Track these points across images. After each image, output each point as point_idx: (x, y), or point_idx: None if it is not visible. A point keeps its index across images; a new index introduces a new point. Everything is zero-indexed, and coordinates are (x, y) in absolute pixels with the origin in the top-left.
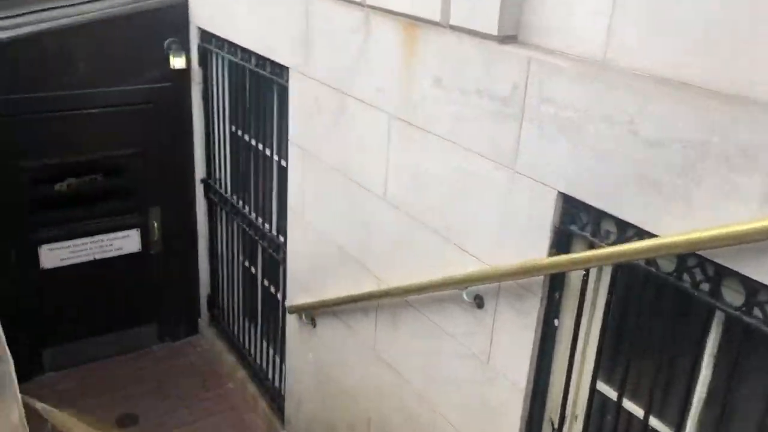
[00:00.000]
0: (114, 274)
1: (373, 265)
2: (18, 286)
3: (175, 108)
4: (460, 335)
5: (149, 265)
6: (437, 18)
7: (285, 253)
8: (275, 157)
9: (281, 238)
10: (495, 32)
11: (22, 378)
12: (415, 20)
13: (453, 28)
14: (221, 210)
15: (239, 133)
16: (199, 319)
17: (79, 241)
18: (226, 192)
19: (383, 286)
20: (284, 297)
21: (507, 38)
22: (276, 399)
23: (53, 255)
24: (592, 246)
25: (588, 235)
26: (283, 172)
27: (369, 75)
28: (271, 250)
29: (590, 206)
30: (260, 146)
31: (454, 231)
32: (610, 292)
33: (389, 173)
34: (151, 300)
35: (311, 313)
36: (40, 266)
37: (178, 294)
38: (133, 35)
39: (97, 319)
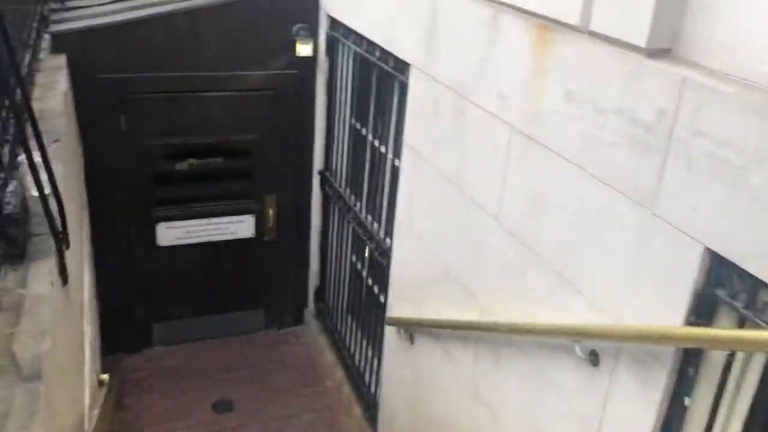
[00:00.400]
0: (226, 257)
1: (479, 291)
2: (135, 261)
3: (298, 96)
4: (568, 391)
5: (261, 252)
6: (575, 21)
7: (390, 259)
8: (389, 156)
9: (388, 242)
10: (643, 43)
11: (132, 350)
12: (549, 21)
13: (593, 34)
14: (335, 204)
15: (359, 127)
16: (306, 310)
17: (194, 222)
18: (340, 186)
19: (487, 318)
20: (386, 304)
21: (658, 52)
22: (370, 407)
23: (170, 234)
24: (743, 320)
25: (739, 306)
26: (396, 173)
27: (493, 80)
28: (377, 253)
29: (745, 271)
30: (377, 143)
31: (573, 271)
32: (764, 380)
33: (505, 193)
34: (260, 286)
35: (410, 329)
36: (157, 243)
37: (287, 283)
38: (262, 19)
39: (207, 299)
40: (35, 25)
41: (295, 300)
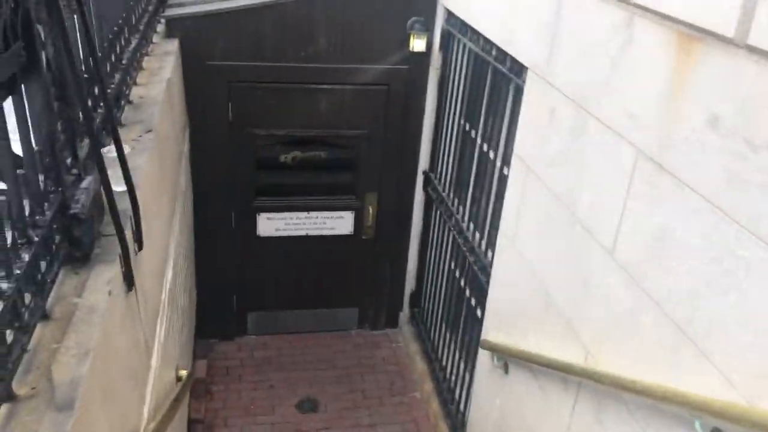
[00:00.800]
0: (323, 252)
1: (583, 331)
2: (235, 251)
3: (409, 93)
4: None
5: (358, 250)
6: (729, 32)
7: (489, 276)
8: (497, 163)
9: (489, 257)
10: None
11: (226, 337)
12: (694, 30)
13: (751, 49)
14: (437, 207)
15: (468, 128)
16: (401, 313)
17: (294, 215)
18: (444, 190)
19: (591, 363)
20: (482, 324)
21: None
22: (457, 428)
23: (269, 224)
24: None
25: None
26: (503, 183)
27: (621, 94)
28: (476, 267)
29: None
30: (485, 148)
31: (697, 327)
32: None
33: (623, 225)
34: (355, 285)
35: (504, 358)
36: (257, 233)
37: (383, 284)
38: (376, 11)
39: (302, 293)
40: (150, 8)
41: (390, 302)
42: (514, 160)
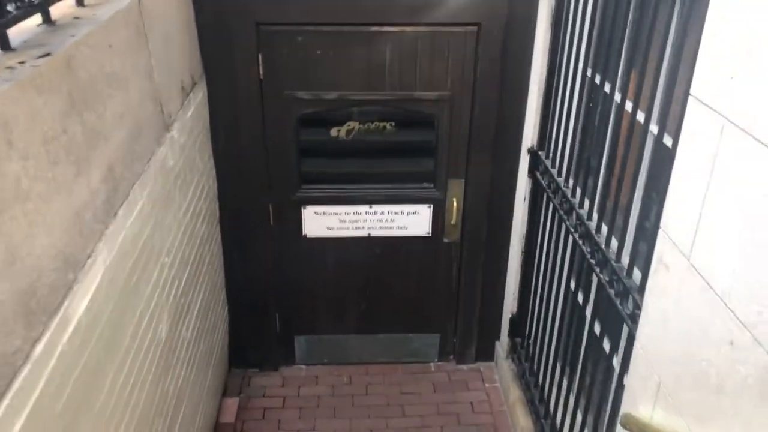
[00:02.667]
0: (392, 259)
1: None
2: (275, 255)
3: (509, 35)
4: None
5: (439, 257)
6: None
7: (638, 309)
8: (653, 130)
9: (635, 281)
10: None
11: (266, 366)
12: None
13: None
14: (548, 199)
15: (599, 81)
16: (497, 343)
17: (352, 209)
18: (560, 174)
19: None
20: (622, 381)
21: None
22: None
23: (318, 222)
24: None
25: None
26: (664, 158)
27: None
28: (612, 291)
29: None
30: (630, 107)
31: None
32: None
33: None
34: (435, 304)
35: None
36: (303, 233)
37: (474, 303)
38: None
39: (365, 312)
40: None
41: (482, 328)
42: (693, 109)
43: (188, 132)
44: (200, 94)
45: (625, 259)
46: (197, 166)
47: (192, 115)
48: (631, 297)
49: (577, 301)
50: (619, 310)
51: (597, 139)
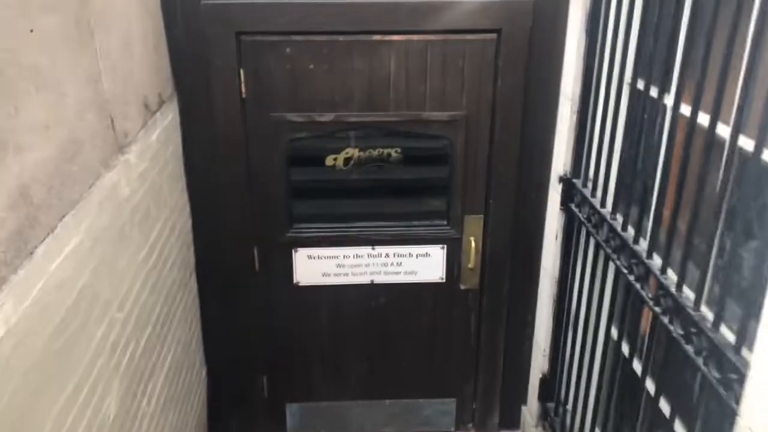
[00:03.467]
0: (399, 310)
1: None
2: (262, 308)
3: (535, 42)
4: None
5: (455, 307)
6: None
7: (735, 374)
8: (744, 145)
9: (724, 335)
10: None
11: None
12: None
13: None
14: (588, 235)
15: (652, 92)
16: (524, 409)
17: (351, 251)
18: (604, 204)
19: None
20: None
21: None
22: None
23: (312, 267)
24: None
25: None
26: (762, 177)
27: None
28: (689, 348)
29: None
30: (701, 118)
31: None
32: None
33: None
34: (453, 361)
35: None
36: (294, 282)
37: (496, 361)
38: None
39: (368, 373)
40: None
41: (506, 391)
42: None
43: (152, 157)
44: (170, 116)
45: (705, 307)
46: (165, 200)
47: (158, 139)
48: (724, 356)
49: (631, 364)
50: (705, 373)
51: (652, 158)
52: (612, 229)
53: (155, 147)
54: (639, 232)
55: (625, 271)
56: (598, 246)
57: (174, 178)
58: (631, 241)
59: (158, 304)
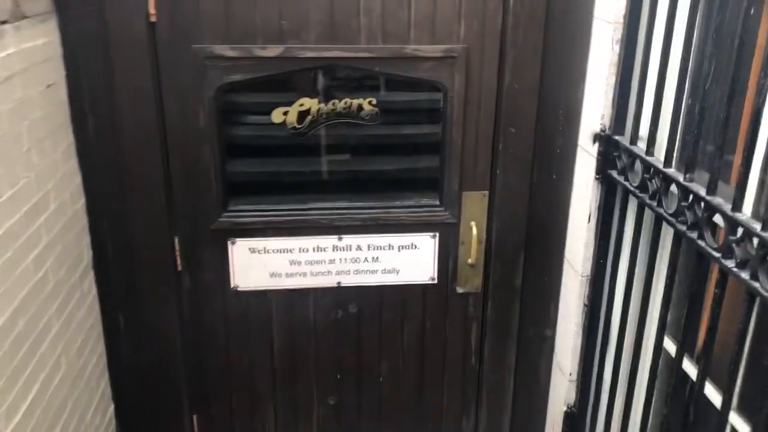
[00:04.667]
0: (377, 322)
1: None
2: (186, 320)
3: None
4: None
5: (451, 317)
6: None
7: None
8: None
9: None
10: None
11: None
12: None
13: None
14: (643, 209)
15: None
16: None
17: (310, 243)
18: (668, 163)
19: None
20: None
21: None
22: None
23: (256, 265)
24: None
25: None
26: None
27: None
28: None
29: None
30: None
31: None
32: None
33: None
34: (446, 391)
35: None
36: (232, 284)
37: (504, 388)
38: None
39: (336, 409)
40: None
41: (517, 426)
42: None
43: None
44: (40, 40)
45: None
46: (33, 163)
47: (13, 65)
48: None
49: (698, 388)
50: None
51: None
52: (688, 193)
53: (4, 74)
54: (741, 192)
55: (717, 255)
56: (659, 222)
57: (51, 137)
58: (727, 208)
59: (28, 317)
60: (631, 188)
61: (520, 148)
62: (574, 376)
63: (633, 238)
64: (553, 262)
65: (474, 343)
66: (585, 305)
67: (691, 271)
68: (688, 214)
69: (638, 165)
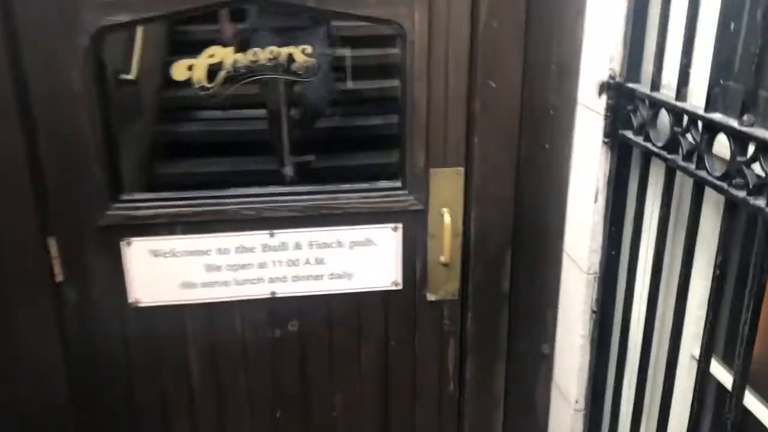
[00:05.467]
0: (325, 344)
1: None
2: (71, 347)
3: None
4: None
5: (421, 332)
6: None
7: None
8: None
9: None
10: None
11: None
12: None
13: None
14: (672, 175)
15: None
16: None
17: (233, 241)
18: (710, 107)
19: None
20: None
21: None
22: None
23: (161, 272)
24: None
25: None
26: None
27: None
28: None
29: None
30: None
31: None
32: None
33: None
34: (418, 424)
35: None
36: (130, 298)
37: (491, 418)
38: None
39: None
40: None
41: None
42: None
43: None
44: None
45: None
46: None
47: None
48: None
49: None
50: None
51: None
52: (746, 143)
53: None
54: None
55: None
56: (699, 189)
57: None
58: None
59: None
60: (655, 149)
61: (502, 109)
62: (581, 405)
63: (660, 218)
64: (550, 258)
65: (451, 365)
66: (593, 312)
67: (757, 257)
68: (747, 173)
69: (664, 117)
